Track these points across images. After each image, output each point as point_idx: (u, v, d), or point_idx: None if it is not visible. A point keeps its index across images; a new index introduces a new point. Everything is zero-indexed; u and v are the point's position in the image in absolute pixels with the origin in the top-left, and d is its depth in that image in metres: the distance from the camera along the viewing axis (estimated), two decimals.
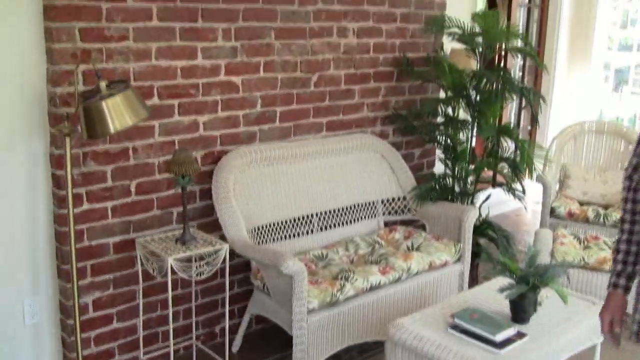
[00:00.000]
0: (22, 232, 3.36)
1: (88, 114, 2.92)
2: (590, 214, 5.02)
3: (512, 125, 6.31)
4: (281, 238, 4.07)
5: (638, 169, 2.21)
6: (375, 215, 4.57)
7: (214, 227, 3.84)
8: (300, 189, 4.16)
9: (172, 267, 3.26)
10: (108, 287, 3.57)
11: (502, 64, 6.34)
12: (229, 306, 3.73)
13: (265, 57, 3.98)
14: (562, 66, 7.10)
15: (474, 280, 4.66)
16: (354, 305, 3.69)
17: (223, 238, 3.69)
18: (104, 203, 3.48)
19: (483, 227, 4.80)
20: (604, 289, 2.60)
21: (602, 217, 4.97)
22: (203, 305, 3.98)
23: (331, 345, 3.65)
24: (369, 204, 4.53)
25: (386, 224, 4.62)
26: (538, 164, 4.87)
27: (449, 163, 4.77)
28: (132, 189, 3.57)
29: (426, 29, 4.82)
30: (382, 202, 4.58)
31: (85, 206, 3.41)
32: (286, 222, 4.11)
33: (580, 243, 4.50)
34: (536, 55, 5.16)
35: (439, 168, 5.05)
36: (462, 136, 4.75)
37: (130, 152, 3.53)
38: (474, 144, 5.01)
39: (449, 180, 4.76)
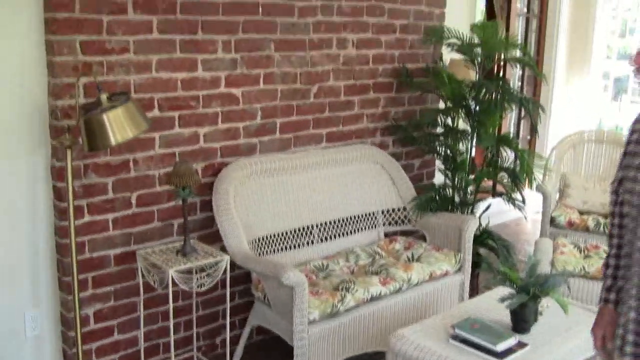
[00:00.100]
0: (23, 244, 3.37)
1: (89, 127, 2.93)
2: (591, 223, 5.02)
3: (511, 135, 6.34)
4: (282, 249, 4.08)
5: (623, 182, 2.17)
6: (375, 226, 4.57)
7: (214, 238, 3.85)
8: (301, 200, 4.17)
9: (173, 279, 3.27)
10: (109, 299, 3.58)
11: (501, 74, 6.36)
12: (230, 317, 3.74)
13: (265, 69, 4.00)
14: (561, 75, 7.12)
15: (474, 290, 4.66)
16: (355, 316, 3.69)
17: (224, 249, 3.70)
18: (105, 215, 3.49)
19: (483, 237, 4.80)
20: None
21: (602, 226, 4.97)
22: (204, 316, 3.98)
23: (332, 356, 3.65)
24: (369, 214, 4.53)
25: (386, 235, 4.63)
26: (538, 174, 4.88)
27: (449, 173, 4.78)
28: (133, 201, 3.58)
29: (425, 40, 4.83)
30: (382, 212, 4.59)
31: (87, 218, 3.41)
32: (287, 233, 4.11)
33: (580, 252, 4.50)
34: (535, 65, 5.17)
35: (438, 178, 5.06)
36: (461, 146, 4.76)
37: (131, 164, 3.54)
38: (473, 154, 5.02)
39: (449, 191, 4.76)
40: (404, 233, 4.67)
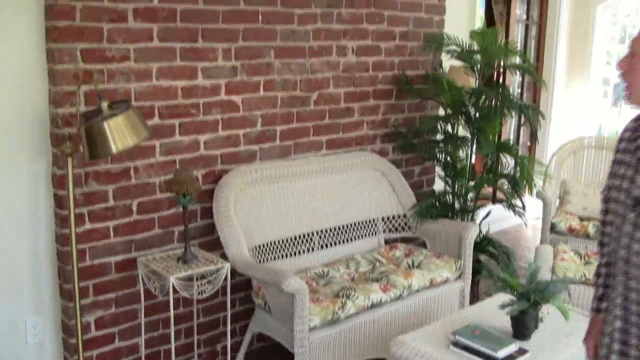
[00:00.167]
0: (25, 252, 3.38)
1: (90, 135, 2.94)
2: (591, 230, 5.02)
3: (511, 141, 6.34)
4: (282, 256, 4.08)
5: (610, 190, 2.14)
6: (375, 233, 4.57)
7: (215, 245, 3.85)
8: (301, 207, 4.18)
9: (173, 286, 3.27)
10: (110, 306, 3.58)
11: (500, 81, 6.39)
12: (231, 324, 3.74)
13: (265, 76, 4.01)
14: (560, 82, 7.13)
15: (474, 297, 4.66)
16: (355, 323, 3.69)
17: (224, 257, 3.70)
18: (106, 222, 3.49)
19: (483, 244, 4.80)
20: None
21: None
22: (204, 323, 3.99)
23: None
24: (369, 221, 4.54)
25: (386, 242, 4.63)
26: (538, 180, 4.88)
27: (449, 180, 4.78)
28: (134, 209, 3.59)
29: (425, 47, 4.85)
30: (383, 219, 4.59)
31: (87, 226, 3.42)
32: (287, 240, 4.12)
33: (581, 259, 4.50)
34: (535, 72, 5.19)
35: (438, 185, 5.07)
36: (461, 153, 4.76)
37: (132, 171, 3.54)
38: (473, 160, 5.02)
39: (449, 197, 4.76)
40: (404, 240, 4.67)
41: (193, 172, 3.64)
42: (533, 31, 7.11)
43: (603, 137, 6.06)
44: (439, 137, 4.87)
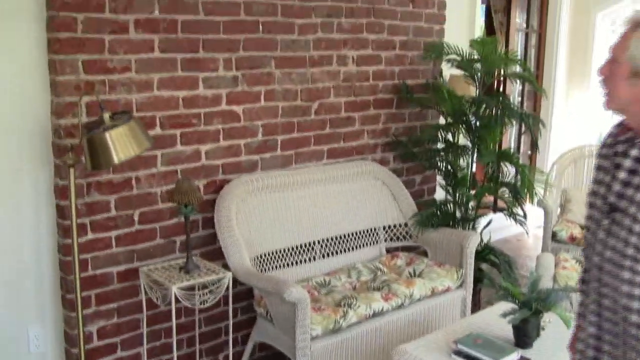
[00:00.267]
0: (27, 262, 3.39)
1: (92, 145, 2.95)
2: None
3: (512, 150, 6.34)
4: (284, 265, 4.09)
5: (591, 195, 2.12)
6: (377, 242, 4.58)
7: (216, 255, 3.86)
8: (302, 216, 4.18)
9: (175, 296, 3.28)
10: (112, 316, 3.58)
11: (501, 90, 6.40)
12: (233, 334, 3.74)
13: (266, 86, 4.02)
14: (561, 90, 7.14)
15: (476, 306, 4.66)
16: (357, 332, 3.69)
17: (226, 266, 3.71)
18: (108, 233, 3.50)
19: (485, 253, 4.80)
20: None
21: None
22: (206, 333, 3.99)
23: None
24: (371, 230, 4.54)
25: (388, 251, 4.63)
26: (539, 189, 4.88)
27: (450, 189, 4.79)
28: (136, 219, 3.59)
29: (425, 56, 4.86)
30: (384, 228, 4.59)
31: (90, 236, 3.43)
32: (288, 249, 4.12)
33: (582, 267, 4.48)
34: (535, 80, 5.20)
35: (439, 194, 5.07)
36: (462, 162, 4.77)
37: (134, 182, 3.55)
38: (474, 169, 5.03)
39: (450, 206, 4.77)
40: (406, 249, 4.67)
41: (194, 182, 3.65)
42: (533, 40, 7.13)
43: None
44: (440, 146, 4.88)
